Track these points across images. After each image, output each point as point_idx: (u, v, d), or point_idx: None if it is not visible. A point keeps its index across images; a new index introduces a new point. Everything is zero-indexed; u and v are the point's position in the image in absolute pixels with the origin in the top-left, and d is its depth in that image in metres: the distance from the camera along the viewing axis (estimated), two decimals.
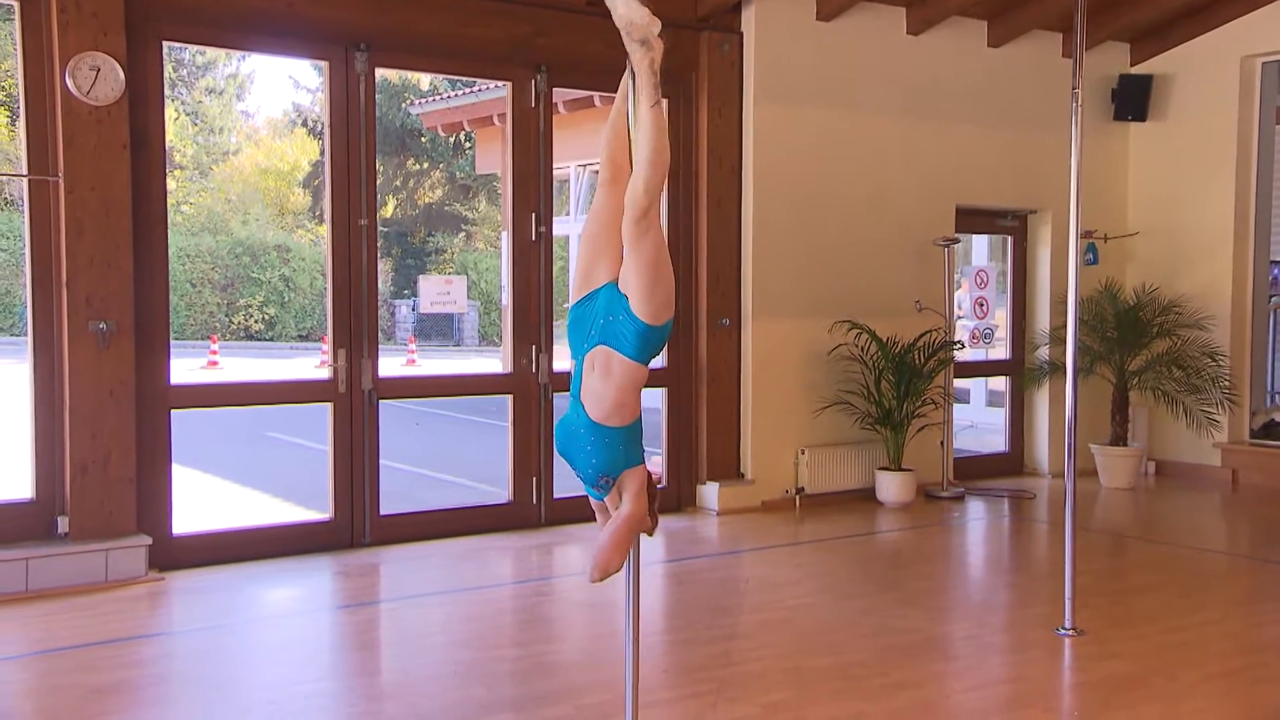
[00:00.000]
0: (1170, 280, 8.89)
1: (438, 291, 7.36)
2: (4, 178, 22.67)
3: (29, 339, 5.64)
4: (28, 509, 5.61)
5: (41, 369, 5.61)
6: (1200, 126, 8.88)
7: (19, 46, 5.55)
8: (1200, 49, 8.87)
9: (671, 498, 7.47)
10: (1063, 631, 4.84)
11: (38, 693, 4.25)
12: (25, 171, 5.57)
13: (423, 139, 26.27)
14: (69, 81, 5.44)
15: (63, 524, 5.59)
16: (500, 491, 7.18)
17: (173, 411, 5.93)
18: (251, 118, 31.26)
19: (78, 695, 4.11)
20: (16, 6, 5.52)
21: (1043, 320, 9.00)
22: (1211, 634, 4.96)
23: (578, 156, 13.19)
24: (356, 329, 6.39)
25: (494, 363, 16.19)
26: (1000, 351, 9.30)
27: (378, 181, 6.54)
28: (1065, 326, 5.15)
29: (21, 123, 5.63)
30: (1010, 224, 9.07)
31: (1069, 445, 4.97)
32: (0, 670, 4.43)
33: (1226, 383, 8.41)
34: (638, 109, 3.34)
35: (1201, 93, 8.88)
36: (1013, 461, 9.13)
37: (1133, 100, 9.05)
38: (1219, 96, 8.76)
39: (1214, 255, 8.79)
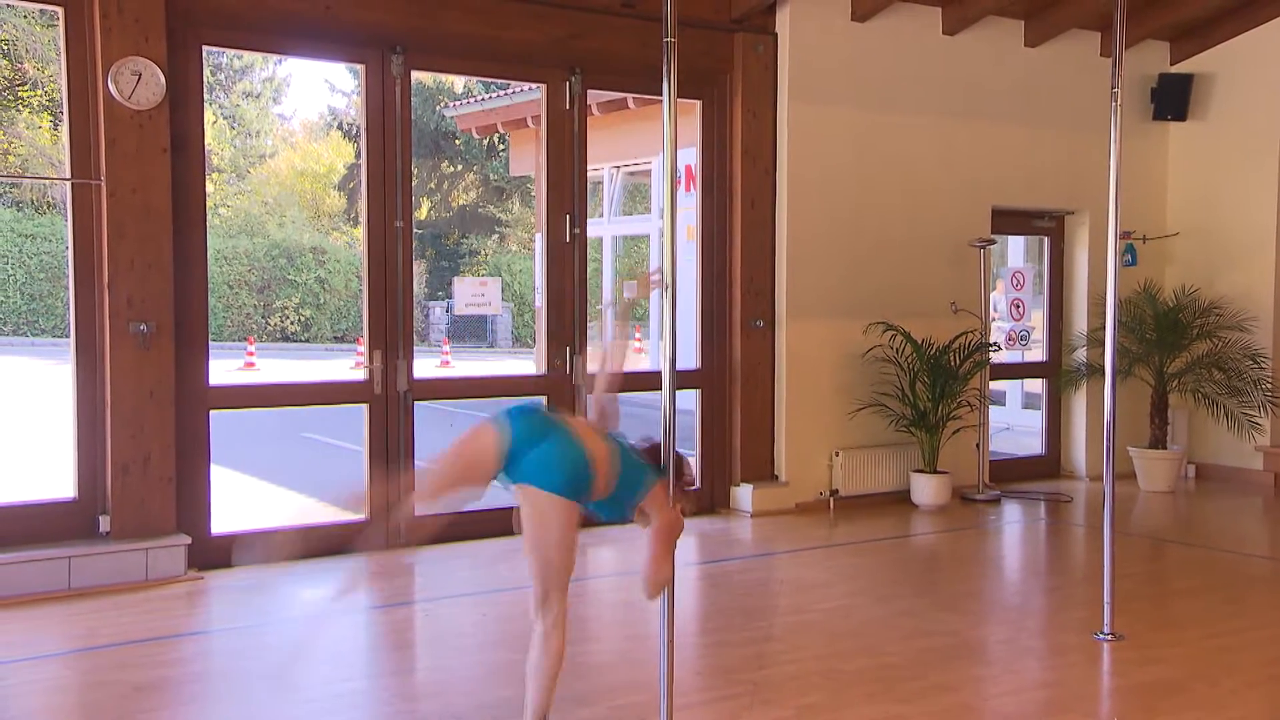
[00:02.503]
0: (1210, 281, 8.78)
1: (472, 293, 7.39)
2: (47, 181, 23.01)
3: (71, 340, 5.72)
4: (70, 508, 5.69)
5: (84, 370, 5.69)
6: (1241, 126, 8.77)
7: (62, 52, 5.64)
8: (1241, 47, 8.76)
9: (705, 499, 7.46)
10: (1102, 636, 4.80)
11: (80, 689, 4.31)
12: (68, 175, 5.65)
13: (457, 141, 26.40)
14: (111, 86, 5.52)
15: (104, 523, 5.66)
16: None
17: (211, 412, 5.99)
18: (288, 121, 31.59)
19: (119, 692, 4.17)
20: (60, 12, 5.60)
21: (1080, 322, 8.92)
22: (1254, 640, 4.89)
23: (612, 158, 13.21)
24: (392, 330, 6.43)
25: (528, 364, 16.25)
26: (1037, 353, 9.22)
27: (413, 183, 6.58)
28: (1103, 328, 5.10)
29: (65, 127, 5.72)
30: (1047, 225, 9.00)
31: (1107, 448, 4.92)
32: (43, 667, 4.49)
33: (1269, 385, 8.28)
34: None
35: (1243, 92, 8.76)
36: (1049, 464, 9.05)
37: (1173, 100, 8.94)
38: (1261, 95, 8.64)
39: (1256, 256, 8.68)
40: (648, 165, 13.44)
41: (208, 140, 6.71)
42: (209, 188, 6.44)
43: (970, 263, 8.17)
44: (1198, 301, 8.51)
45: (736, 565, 6.24)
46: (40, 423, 11.41)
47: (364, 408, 6.43)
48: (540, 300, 7.06)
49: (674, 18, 3.70)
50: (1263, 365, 8.30)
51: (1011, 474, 8.74)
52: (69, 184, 5.67)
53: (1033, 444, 9.42)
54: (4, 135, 22.22)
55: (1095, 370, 8.50)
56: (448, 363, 18.91)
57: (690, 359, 7.47)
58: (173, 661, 4.56)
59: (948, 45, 8.07)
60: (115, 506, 5.62)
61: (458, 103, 17.58)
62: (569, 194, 6.96)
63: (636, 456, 3.54)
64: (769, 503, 7.42)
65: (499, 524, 6.81)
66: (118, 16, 5.53)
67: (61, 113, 5.85)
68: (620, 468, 3.44)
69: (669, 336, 3.69)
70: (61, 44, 5.65)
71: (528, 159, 13.81)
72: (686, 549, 6.48)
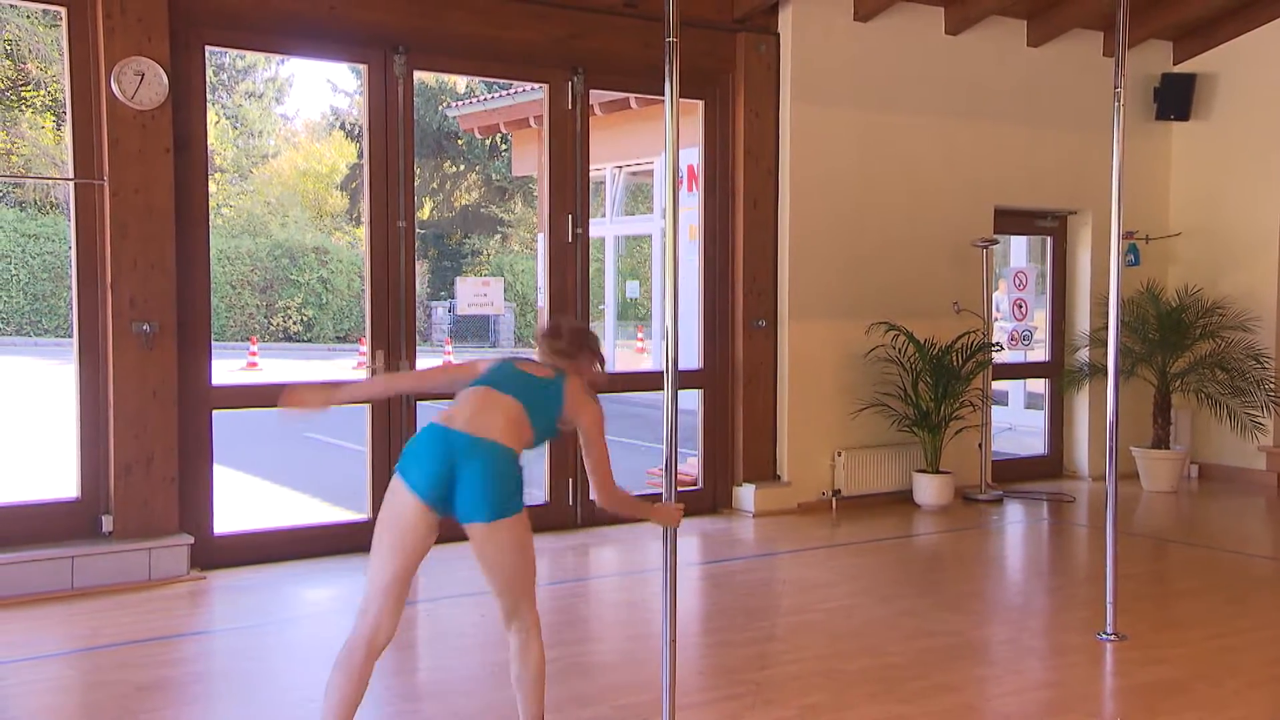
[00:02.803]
0: (1213, 281, 8.77)
1: (475, 293, 7.39)
2: (50, 181, 23.04)
3: (74, 340, 5.73)
4: (73, 508, 5.70)
5: (87, 370, 5.69)
6: (1244, 126, 8.76)
7: (65, 52, 5.64)
8: (1244, 47, 8.75)
9: (707, 499, 7.47)
10: (1104, 636, 4.79)
11: (82, 689, 4.31)
12: (71, 175, 5.66)
13: (459, 141, 26.41)
14: (114, 86, 5.52)
15: (107, 523, 5.66)
16: (537, 492, 7.19)
17: (214, 412, 5.99)
18: (290, 121, 31.60)
19: (121, 692, 4.17)
20: (64, 12, 5.60)
21: (1083, 322, 8.91)
22: (1257, 640, 4.89)
23: (614, 158, 13.21)
24: (394, 330, 6.44)
25: None
26: (1039, 353, 9.22)
27: (415, 183, 6.59)
28: (1106, 328, 5.10)
29: (68, 127, 5.72)
30: (1050, 225, 8.99)
31: (1110, 448, 4.91)
32: (46, 667, 4.50)
33: (1272, 385, 8.28)
34: None
35: (1245, 92, 8.75)
36: (1052, 464, 9.04)
37: (1175, 99, 8.93)
38: (1263, 95, 8.63)
39: (1259, 256, 8.67)
40: (650, 165, 13.45)
41: (210, 140, 6.72)
42: (211, 187, 6.44)
43: (973, 263, 8.16)
44: (1200, 301, 8.51)
45: (739, 565, 6.23)
46: (43, 423, 11.42)
47: (366, 407, 6.43)
48: (543, 300, 7.06)
49: (676, 17, 3.70)
50: (1266, 365, 8.29)
51: (1014, 474, 8.73)
52: (72, 184, 5.67)
53: (1035, 444, 9.41)
54: (7, 135, 22.25)
55: (1098, 370, 8.49)
56: (450, 363, 18.90)
57: (692, 359, 7.47)
58: (175, 661, 4.56)
59: (950, 45, 8.07)
60: (118, 506, 5.63)
61: (460, 103, 17.59)
62: (571, 194, 6.96)
63: (527, 372, 3.37)
64: (771, 503, 7.42)
65: None
66: (120, 17, 5.54)
67: (64, 113, 5.86)
68: (526, 401, 3.27)
69: (671, 336, 3.69)
70: (64, 44, 5.65)
71: (530, 159, 13.81)
72: (689, 549, 6.48)
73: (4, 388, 15.56)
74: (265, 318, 23.90)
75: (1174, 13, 8.45)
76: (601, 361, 3.56)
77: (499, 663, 4.55)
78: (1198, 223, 9.03)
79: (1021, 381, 11.13)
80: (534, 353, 3.57)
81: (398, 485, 3.20)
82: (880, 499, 7.77)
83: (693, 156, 7.78)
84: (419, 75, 6.70)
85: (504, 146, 24.13)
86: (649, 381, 8.15)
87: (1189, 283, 8.76)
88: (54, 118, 21.69)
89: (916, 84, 7.92)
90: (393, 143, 6.40)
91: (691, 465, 7.58)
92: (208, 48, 5.97)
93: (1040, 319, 9.15)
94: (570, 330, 3.53)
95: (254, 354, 18.79)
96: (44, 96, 22.00)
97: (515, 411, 3.26)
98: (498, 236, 27.82)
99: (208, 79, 6.14)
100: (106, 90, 5.54)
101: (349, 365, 18.41)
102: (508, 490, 3.19)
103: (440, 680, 4.42)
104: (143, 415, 5.64)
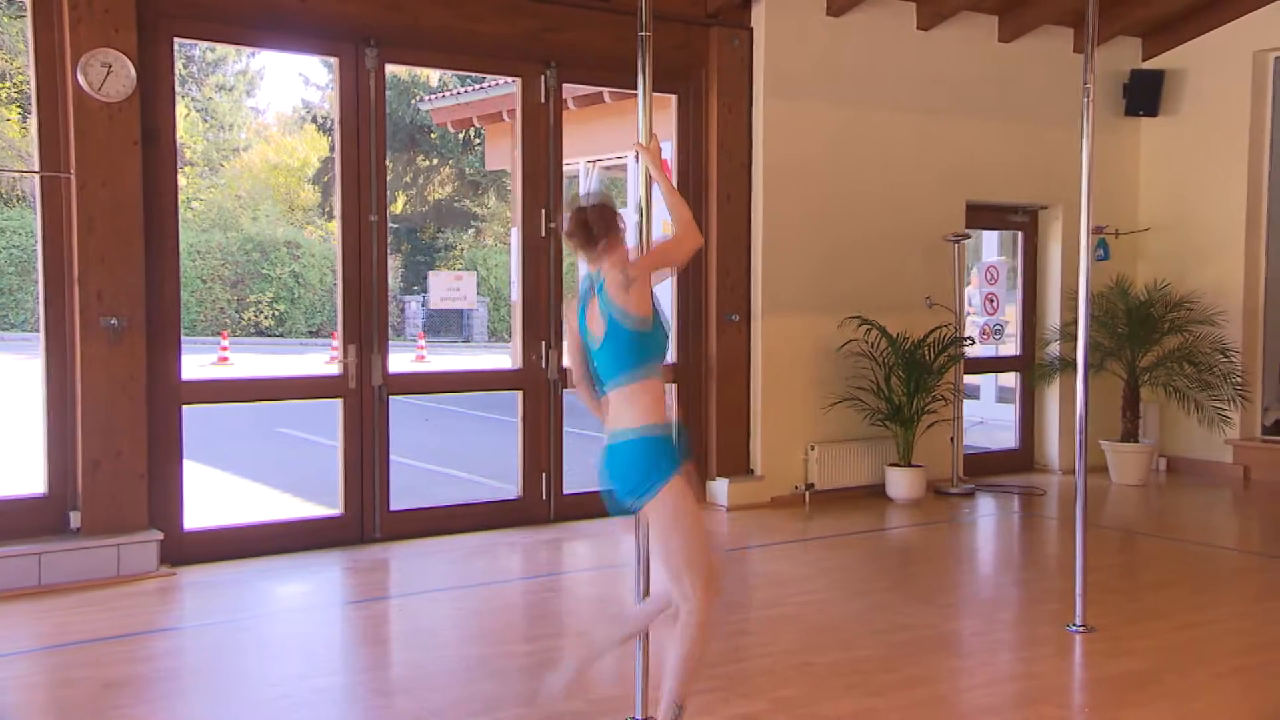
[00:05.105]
0: (1182, 276, 8.85)
1: (448, 287, 7.37)
2: (16, 174, 22.76)
3: (41, 335, 5.66)
4: (40, 504, 5.64)
5: (54, 365, 5.63)
6: (1212, 122, 8.84)
7: (31, 43, 5.57)
8: (1212, 44, 8.83)
9: None
10: (1074, 628, 4.83)
11: (50, 686, 4.27)
12: (37, 168, 5.59)
13: (432, 135, 26.29)
14: (80, 78, 5.46)
15: (74, 519, 5.61)
16: (510, 487, 7.18)
17: (184, 407, 5.94)
18: (261, 114, 31.32)
19: (90, 689, 4.13)
20: (29, 3, 5.53)
21: (1053, 316, 8.98)
22: (1224, 631, 4.95)
23: (587, 152, 13.17)
24: (367, 325, 6.40)
25: (504, 359, 16.19)
26: (1010, 348, 9.28)
27: (388, 178, 6.55)
28: (1076, 323, 5.14)
29: (33, 119, 5.65)
30: (1021, 220, 9.05)
31: (1079, 441, 4.95)
32: (13, 664, 4.45)
33: (1239, 379, 8.37)
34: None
35: (1214, 88, 8.84)
36: (1023, 458, 9.11)
37: (1144, 95, 9.01)
38: (1231, 91, 8.72)
39: (1226, 251, 8.76)
40: (623, 159, 13.42)
41: (180, 133, 6.66)
42: (181, 181, 6.38)
43: (945, 257, 8.20)
44: (1169, 296, 8.58)
45: None
46: (9, 418, 11.29)
47: (339, 403, 6.40)
48: (516, 294, 7.04)
49: (649, 11, 3.70)
50: (1232, 359, 8.38)
51: (985, 467, 8.79)
52: (38, 177, 5.61)
53: (1006, 438, 9.47)
54: None
55: (1068, 364, 8.56)
56: (423, 357, 18.85)
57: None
58: (144, 658, 4.53)
59: (922, 40, 8.10)
60: (86, 502, 5.57)
61: (432, 96, 17.52)
62: (545, 188, 6.94)
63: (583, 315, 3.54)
64: (745, 497, 7.44)
65: (474, 518, 6.81)
66: (87, 8, 5.47)
67: (30, 105, 5.79)
68: (605, 345, 3.46)
69: None
70: (30, 35, 5.58)
71: (503, 153, 13.76)
72: None
73: None
74: (236, 312, 23.72)
75: (1143, 9, 8.52)
76: (621, 228, 3.50)
77: (472, 658, 4.55)
78: (1166, 217, 9.11)
79: (993, 375, 11.20)
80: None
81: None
82: (853, 493, 7.80)
83: (666, 151, 7.77)
84: (391, 68, 6.66)
85: (477, 140, 24.06)
86: None
87: (1158, 277, 8.84)
88: (20, 110, 21.42)
89: (888, 79, 7.95)
90: (365, 136, 6.36)
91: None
92: (176, 39, 5.91)
93: (1011, 313, 9.21)
94: (574, 222, 3.51)
95: (225, 349, 18.64)
96: (9, 88, 21.73)
97: (618, 387, 3.41)
98: (471, 231, 27.72)
99: (177, 71, 6.08)
100: (73, 82, 5.47)
101: (321, 360, 18.29)
102: (635, 472, 3.31)
103: (413, 675, 4.41)
104: (111, 410, 5.59)
